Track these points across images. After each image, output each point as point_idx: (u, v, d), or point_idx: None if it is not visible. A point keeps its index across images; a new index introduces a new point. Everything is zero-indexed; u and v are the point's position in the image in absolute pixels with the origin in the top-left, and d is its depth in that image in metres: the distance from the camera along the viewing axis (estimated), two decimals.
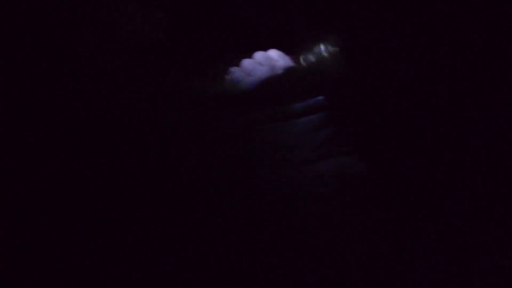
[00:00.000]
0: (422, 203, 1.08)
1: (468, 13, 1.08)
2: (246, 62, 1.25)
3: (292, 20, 1.41)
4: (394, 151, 1.14)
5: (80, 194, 0.97)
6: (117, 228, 0.97)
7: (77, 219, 0.97)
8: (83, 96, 0.99)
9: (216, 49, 1.37)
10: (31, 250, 0.97)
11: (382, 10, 1.15)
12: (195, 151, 1.01)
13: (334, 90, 1.17)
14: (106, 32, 1.07)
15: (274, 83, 1.21)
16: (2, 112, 0.97)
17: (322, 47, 1.25)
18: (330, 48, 1.23)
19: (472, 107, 1.09)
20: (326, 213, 1.01)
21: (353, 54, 1.19)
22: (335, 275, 0.98)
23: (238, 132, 1.06)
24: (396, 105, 1.13)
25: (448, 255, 1.02)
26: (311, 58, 1.26)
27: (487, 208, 1.06)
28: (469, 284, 1.00)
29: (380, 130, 1.15)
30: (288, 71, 1.23)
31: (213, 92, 1.21)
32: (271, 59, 1.25)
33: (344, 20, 1.21)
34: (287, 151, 1.07)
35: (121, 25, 1.11)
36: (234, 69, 1.26)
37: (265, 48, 1.28)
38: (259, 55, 1.26)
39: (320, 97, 1.16)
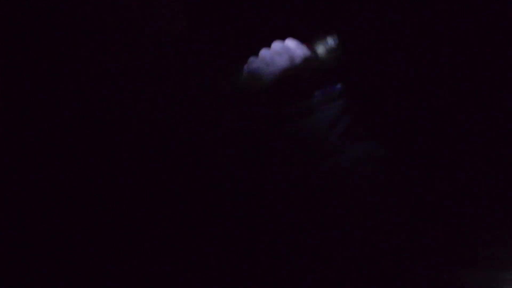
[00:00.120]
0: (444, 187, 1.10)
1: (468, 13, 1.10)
2: (265, 52, 1.25)
3: (306, 9, 1.42)
4: (412, 134, 1.17)
5: (80, 194, 0.96)
6: (117, 228, 0.96)
7: (77, 219, 0.96)
8: (99, 94, 0.97)
9: (232, 41, 1.38)
10: (31, 250, 0.95)
11: None
12: (226, 146, 1.01)
13: (351, 77, 1.19)
14: (122, 29, 1.05)
15: (294, 73, 1.22)
16: (2, 112, 0.96)
17: (337, 35, 1.26)
18: (345, 35, 1.25)
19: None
20: (365, 198, 1.02)
21: (368, 40, 1.21)
22: (379, 259, 0.99)
23: (264, 127, 1.05)
24: (412, 91, 1.16)
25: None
26: (327, 46, 1.27)
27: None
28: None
29: (398, 114, 1.18)
30: (306, 60, 1.24)
31: (234, 86, 1.21)
32: (289, 49, 1.24)
33: (361, 7, 1.22)
34: (315, 142, 1.08)
35: (138, 21, 1.10)
36: (253, 59, 1.26)
37: (281, 38, 1.27)
38: (277, 45, 1.25)
39: (339, 85, 1.18)
